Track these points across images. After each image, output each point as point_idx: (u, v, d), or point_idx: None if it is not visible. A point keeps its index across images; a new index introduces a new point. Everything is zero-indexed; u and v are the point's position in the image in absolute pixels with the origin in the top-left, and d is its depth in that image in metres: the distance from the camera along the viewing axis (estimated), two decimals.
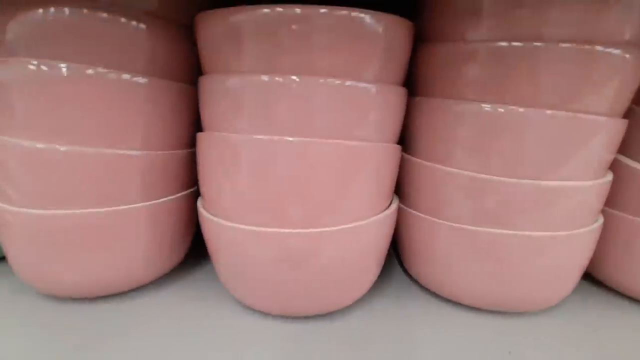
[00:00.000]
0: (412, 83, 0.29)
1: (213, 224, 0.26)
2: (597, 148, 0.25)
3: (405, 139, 0.30)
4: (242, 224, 0.25)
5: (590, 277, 0.33)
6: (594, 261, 0.31)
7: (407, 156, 0.29)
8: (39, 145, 0.25)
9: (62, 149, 0.25)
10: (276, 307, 0.27)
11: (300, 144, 0.23)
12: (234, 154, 0.24)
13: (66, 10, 0.25)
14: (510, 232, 0.26)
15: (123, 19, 0.26)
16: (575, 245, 0.27)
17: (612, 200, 0.29)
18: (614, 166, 0.29)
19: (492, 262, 0.27)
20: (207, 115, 0.26)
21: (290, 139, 0.23)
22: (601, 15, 0.23)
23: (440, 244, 0.28)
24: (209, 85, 0.25)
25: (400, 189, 0.30)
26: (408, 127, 0.29)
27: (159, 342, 0.25)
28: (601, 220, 0.28)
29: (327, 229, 0.24)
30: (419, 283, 0.32)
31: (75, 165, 0.26)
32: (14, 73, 0.25)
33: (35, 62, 0.24)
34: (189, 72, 0.29)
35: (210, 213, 0.26)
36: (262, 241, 0.25)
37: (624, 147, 0.29)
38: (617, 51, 0.23)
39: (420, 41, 0.27)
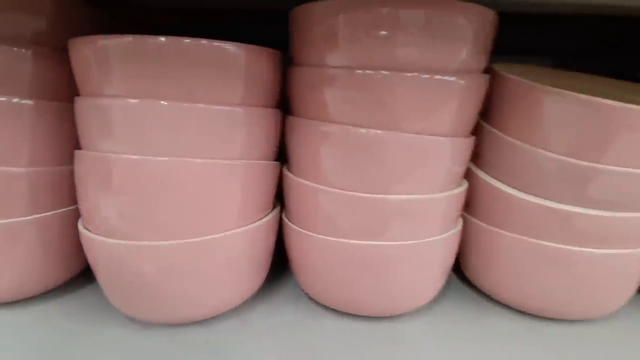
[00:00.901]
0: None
1: (88, 239, 0.27)
2: (445, 164, 0.28)
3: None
4: (114, 239, 0.26)
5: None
6: (460, 261, 0.34)
7: (285, 172, 0.31)
8: None
9: None
10: (153, 316, 0.28)
11: (171, 163, 0.25)
12: (105, 172, 0.25)
13: None
14: (379, 242, 0.28)
15: (12, 48, 0.27)
16: (437, 251, 0.30)
17: (468, 207, 0.32)
18: (469, 175, 0.32)
19: (364, 272, 0.29)
20: (82, 134, 0.27)
21: (161, 158, 0.25)
22: (437, 46, 0.26)
23: (315, 256, 0.30)
24: (81, 107, 0.26)
25: (283, 203, 0.32)
26: (285, 145, 0.31)
27: (37, 353, 0.26)
28: (460, 225, 0.31)
29: (195, 239, 0.26)
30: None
31: None
32: None
33: None
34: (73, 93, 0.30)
35: (87, 228, 0.27)
36: (136, 255, 0.26)
37: (477, 158, 0.32)
38: (452, 78, 0.26)
39: (290, 65, 0.29)
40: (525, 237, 0.30)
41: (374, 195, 0.27)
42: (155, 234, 0.26)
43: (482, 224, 0.32)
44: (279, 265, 0.35)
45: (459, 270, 0.37)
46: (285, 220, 0.31)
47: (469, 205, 0.33)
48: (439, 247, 0.29)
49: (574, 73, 0.36)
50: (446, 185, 0.29)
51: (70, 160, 0.30)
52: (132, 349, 0.27)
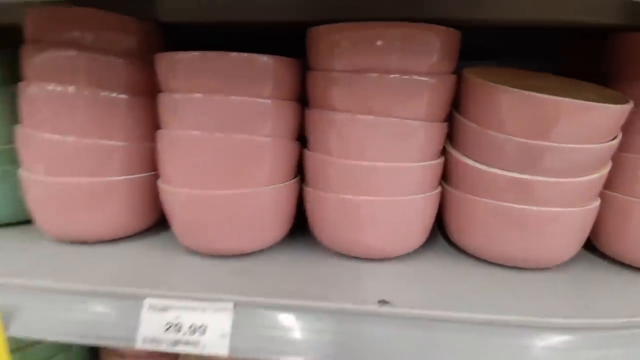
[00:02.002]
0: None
1: (165, 191, 0.39)
2: (420, 142, 0.37)
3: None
4: (182, 189, 0.38)
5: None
6: (443, 223, 0.43)
7: (304, 150, 0.41)
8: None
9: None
10: (208, 249, 0.40)
11: (220, 139, 0.36)
12: (177, 144, 0.37)
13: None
14: (373, 198, 0.38)
15: (113, 57, 0.39)
16: (416, 206, 0.39)
17: (447, 179, 0.42)
18: (447, 154, 0.41)
19: (364, 221, 0.39)
20: (161, 119, 0.39)
21: (215, 134, 0.36)
22: (412, 56, 0.35)
23: (326, 210, 0.40)
24: (162, 100, 0.38)
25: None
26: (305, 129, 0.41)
27: (124, 274, 0.38)
28: (438, 190, 0.41)
29: (237, 191, 0.37)
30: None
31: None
32: None
33: None
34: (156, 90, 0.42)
35: (166, 184, 0.39)
36: (197, 200, 0.37)
37: (453, 141, 0.41)
38: (425, 78, 0.35)
39: (307, 69, 0.40)
40: (493, 201, 0.39)
41: (368, 163, 0.37)
42: (210, 186, 0.37)
43: (458, 192, 0.41)
44: (302, 225, 0.45)
45: (445, 235, 0.46)
46: (304, 186, 0.42)
47: (448, 178, 0.42)
48: (417, 203, 0.39)
49: (539, 74, 0.44)
50: (422, 158, 0.38)
51: (153, 137, 0.42)
52: (193, 272, 0.38)
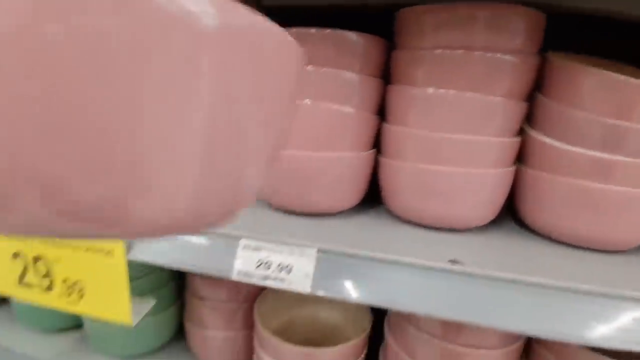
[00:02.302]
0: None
1: None
2: (500, 118, 0.39)
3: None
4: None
5: None
6: (515, 205, 0.44)
7: (383, 124, 0.44)
8: None
9: None
10: (298, 206, 0.44)
11: (312, 106, 0.40)
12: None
13: None
14: (446, 168, 0.40)
15: None
16: (490, 180, 0.41)
17: (523, 160, 0.43)
18: (525, 135, 0.42)
19: (429, 190, 0.41)
20: None
21: (307, 101, 0.40)
22: (497, 33, 0.37)
23: (399, 178, 0.43)
24: None
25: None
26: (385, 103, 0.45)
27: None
28: (512, 168, 0.42)
29: (324, 153, 0.41)
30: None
31: None
32: None
33: None
34: None
35: None
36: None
37: (532, 121, 0.42)
38: (508, 57, 0.37)
39: (394, 49, 0.43)
40: (572, 180, 0.39)
41: (448, 135, 0.39)
42: (298, 148, 0.41)
43: (535, 171, 0.42)
44: (371, 198, 0.49)
45: (515, 218, 0.47)
46: (380, 157, 0.45)
47: (524, 159, 0.43)
48: (491, 177, 0.40)
49: (617, 63, 0.43)
50: (500, 134, 0.39)
51: None
52: (279, 223, 0.42)
